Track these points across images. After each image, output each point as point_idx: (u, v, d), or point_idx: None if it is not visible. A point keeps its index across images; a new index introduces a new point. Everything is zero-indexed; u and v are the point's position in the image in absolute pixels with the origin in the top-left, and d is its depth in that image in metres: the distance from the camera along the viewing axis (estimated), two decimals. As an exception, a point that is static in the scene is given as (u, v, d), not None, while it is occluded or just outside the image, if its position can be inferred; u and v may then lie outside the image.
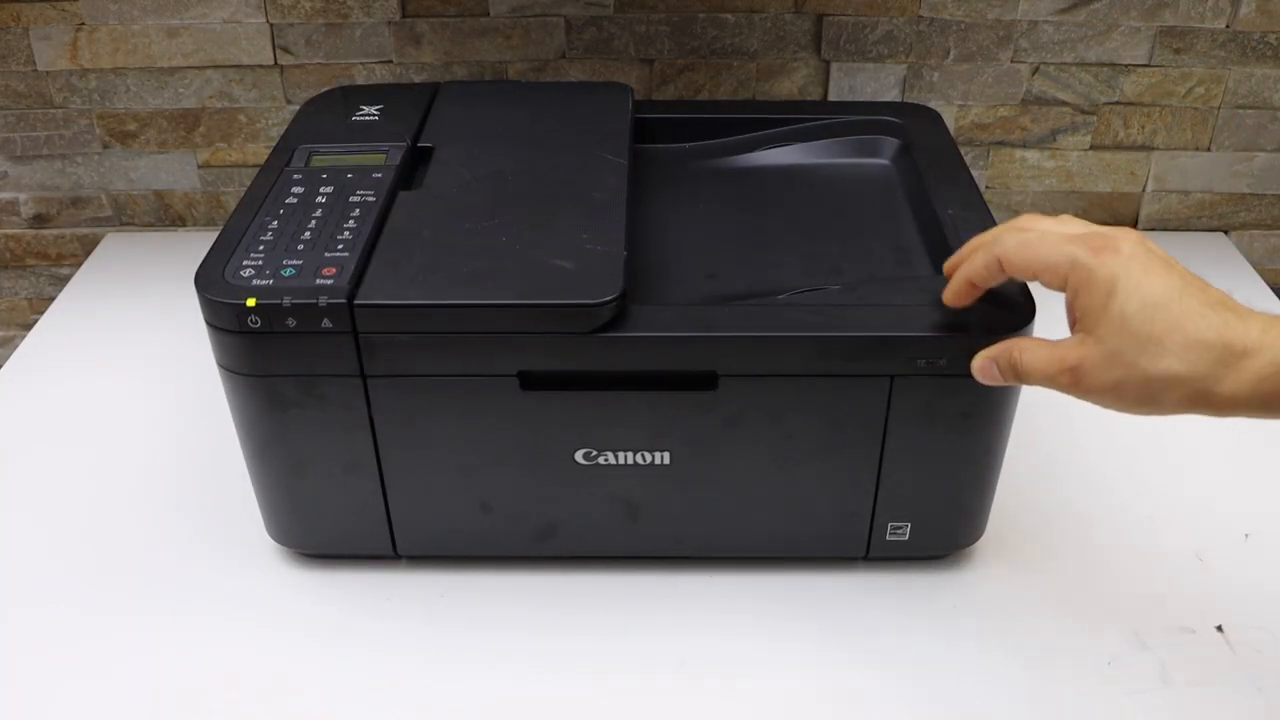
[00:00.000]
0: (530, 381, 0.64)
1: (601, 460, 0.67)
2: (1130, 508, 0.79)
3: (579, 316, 0.61)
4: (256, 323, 0.61)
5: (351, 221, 0.67)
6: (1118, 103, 1.06)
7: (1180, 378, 0.50)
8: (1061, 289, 0.55)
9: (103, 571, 0.74)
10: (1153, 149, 1.09)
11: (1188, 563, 0.75)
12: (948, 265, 0.62)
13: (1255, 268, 1.08)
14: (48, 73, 1.05)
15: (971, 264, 0.59)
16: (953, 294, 0.60)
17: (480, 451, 0.67)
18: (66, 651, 0.69)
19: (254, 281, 0.62)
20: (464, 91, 0.86)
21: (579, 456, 0.67)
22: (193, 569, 0.75)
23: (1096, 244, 0.53)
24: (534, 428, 0.66)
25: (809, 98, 1.06)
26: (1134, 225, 1.14)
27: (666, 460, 0.67)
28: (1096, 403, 0.53)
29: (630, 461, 0.67)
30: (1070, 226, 0.56)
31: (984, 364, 0.59)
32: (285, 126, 0.82)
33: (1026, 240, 0.55)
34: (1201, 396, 0.50)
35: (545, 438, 0.66)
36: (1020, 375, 0.56)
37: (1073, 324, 0.55)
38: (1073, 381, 0.53)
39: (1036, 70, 1.04)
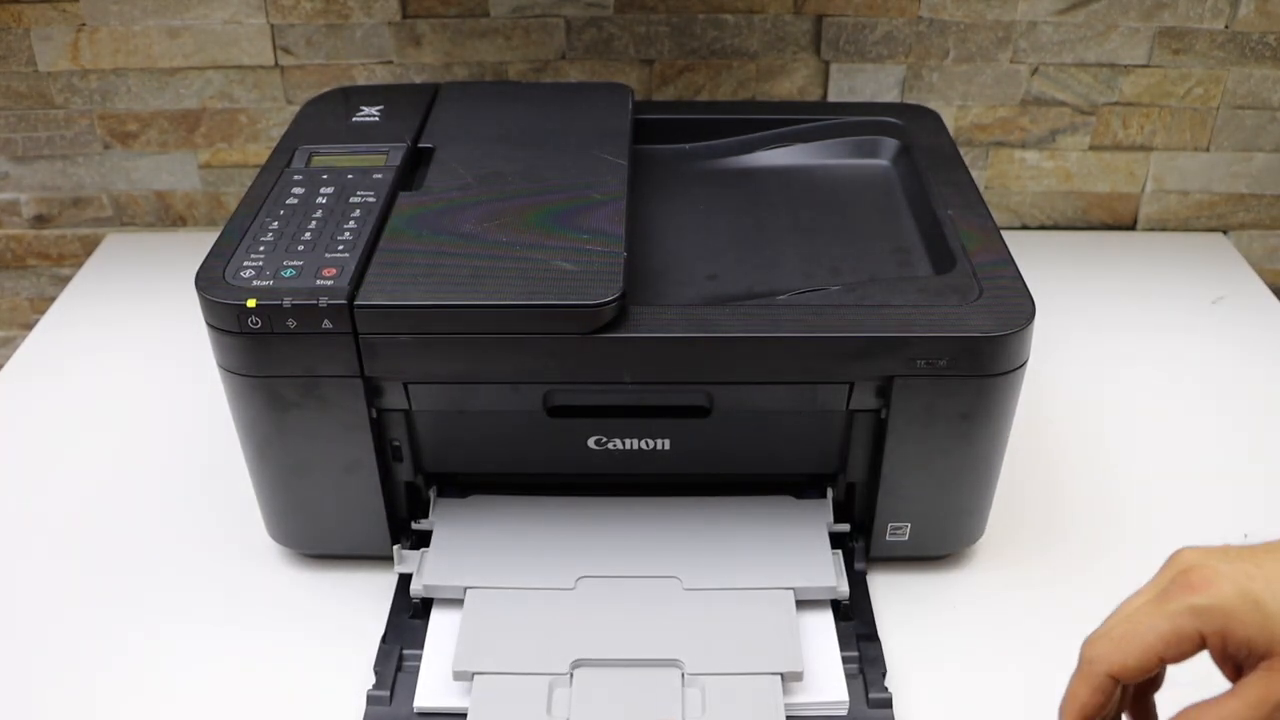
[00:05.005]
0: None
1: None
2: (1130, 507, 0.79)
3: (579, 318, 0.61)
4: (257, 323, 0.61)
5: (352, 222, 0.67)
6: (1117, 103, 1.06)
7: None
8: (1192, 654, 0.45)
9: (103, 571, 0.75)
10: (1152, 149, 1.09)
11: (1187, 563, 0.75)
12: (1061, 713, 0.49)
13: (1254, 268, 1.08)
14: (49, 73, 1.05)
15: (1076, 697, 0.47)
16: None
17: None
18: (66, 650, 0.69)
19: (254, 282, 0.62)
20: (464, 92, 0.86)
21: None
22: (193, 569, 0.75)
23: (1189, 582, 0.45)
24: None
25: (809, 98, 1.06)
26: (1133, 226, 1.14)
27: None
28: None
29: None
30: (1136, 598, 0.47)
31: None
32: (286, 127, 0.82)
33: (1118, 637, 0.46)
34: None
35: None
36: None
37: (1234, 673, 0.45)
38: None
39: (1036, 71, 1.04)
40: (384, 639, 0.67)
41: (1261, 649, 0.43)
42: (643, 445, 0.68)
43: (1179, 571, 0.45)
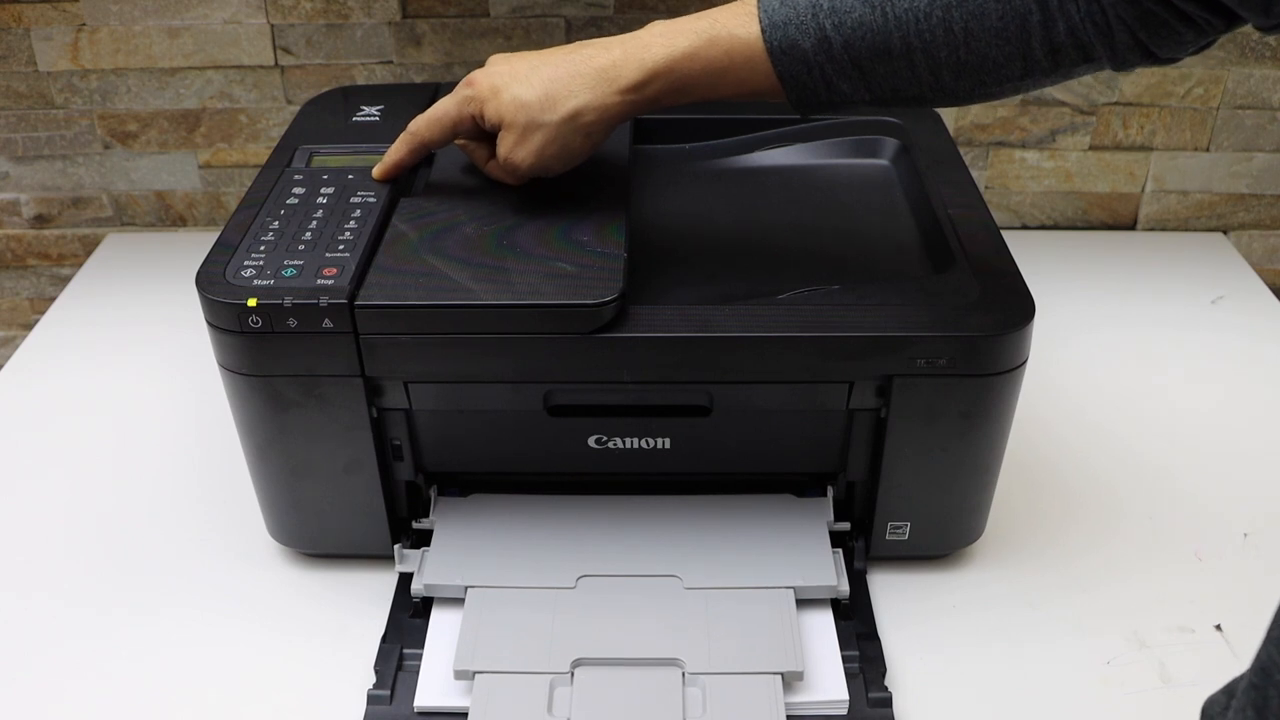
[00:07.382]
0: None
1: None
2: (1130, 508, 0.79)
3: (579, 317, 0.61)
4: (257, 323, 0.61)
5: (352, 222, 0.67)
6: (1117, 103, 1.06)
7: (582, 109, 0.62)
8: (482, 130, 0.67)
9: (103, 570, 0.75)
10: (1152, 149, 1.09)
11: (1187, 562, 0.75)
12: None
13: (1254, 268, 1.08)
14: (49, 73, 1.05)
15: (397, 150, 0.70)
16: (381, 170, 0.70)
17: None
18: (67, 650, 0.69)
19: (255, 282, 0.62)
20: (464, 92, 0.86)
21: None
22: (193, 568, 0.75)
23: (466, 82, 0.66)
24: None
25: (809, 98, 1.06)
26: (1133, 226, 1.14)
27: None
28: (544, 171, 0.66)
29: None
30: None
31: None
32: (286, 127, 0.82)
33: (428, 117, 0.68)
34: (607, 111, 0.63)
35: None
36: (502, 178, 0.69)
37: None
38: (513, 169, 0.66)
39: (1036, 71, 1.04)
40: (384, 638, 0.67)
41: (501, 123, 0.64)
42: (643, 444, 0.68)
43: (466, 78, 0.66)
